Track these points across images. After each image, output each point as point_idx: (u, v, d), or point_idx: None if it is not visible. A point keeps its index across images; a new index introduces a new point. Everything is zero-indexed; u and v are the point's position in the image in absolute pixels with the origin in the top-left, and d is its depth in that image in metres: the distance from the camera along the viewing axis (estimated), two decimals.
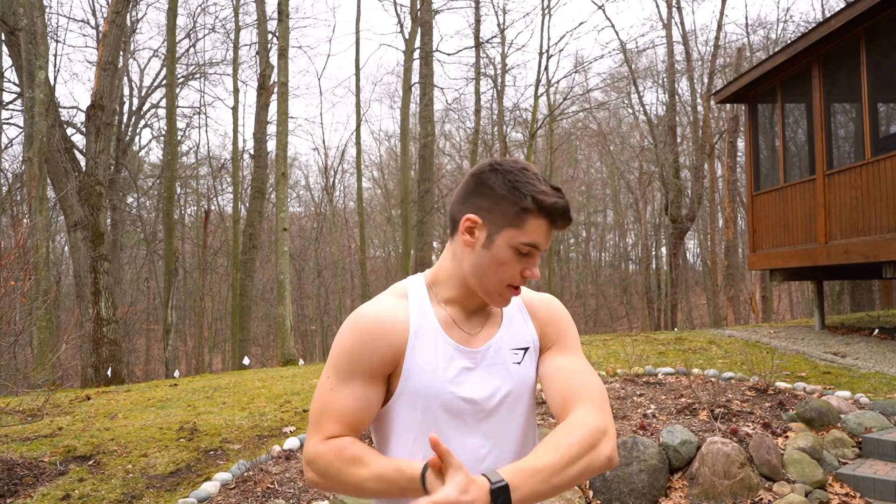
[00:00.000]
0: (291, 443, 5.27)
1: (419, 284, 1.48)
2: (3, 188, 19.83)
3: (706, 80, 22.72)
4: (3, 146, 19.90)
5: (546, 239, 1.37)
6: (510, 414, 1.42)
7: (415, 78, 20.51)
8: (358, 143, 23.64)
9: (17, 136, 23.76)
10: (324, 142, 62.08)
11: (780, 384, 6.43)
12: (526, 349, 1.47)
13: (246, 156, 25.11)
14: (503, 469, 1.14)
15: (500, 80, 24.82)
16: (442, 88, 23.05)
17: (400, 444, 1.39)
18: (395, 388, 1.38)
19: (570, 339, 1.51)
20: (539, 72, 23.32)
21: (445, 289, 1.46)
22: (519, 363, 1.44)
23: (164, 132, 21.63)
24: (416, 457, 1.36)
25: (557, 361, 1.45)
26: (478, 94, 23.57)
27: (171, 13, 17.87)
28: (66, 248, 22.29)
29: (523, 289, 1.51)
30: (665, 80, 24.08)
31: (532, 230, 1.34)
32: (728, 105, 18.96)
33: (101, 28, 20.59)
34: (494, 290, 1.39)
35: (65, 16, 40.10)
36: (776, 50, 12.60)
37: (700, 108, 23.11)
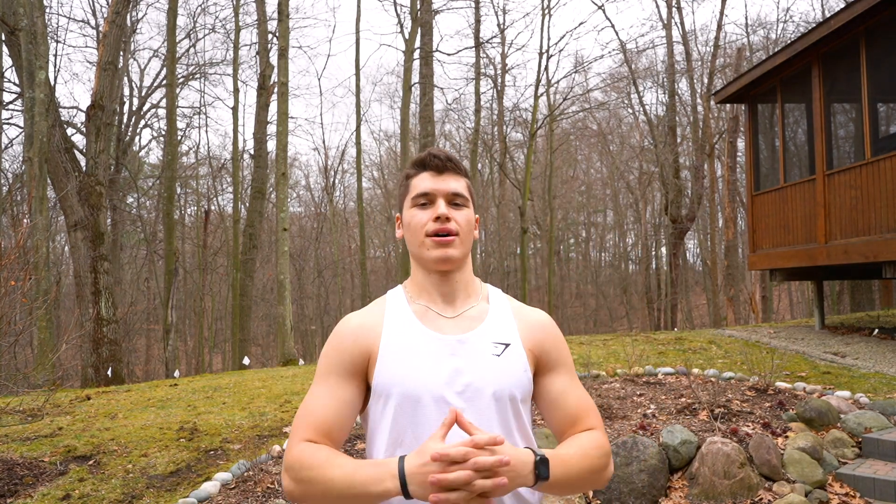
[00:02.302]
0: None
1: (397, 290, 1.56)
2: (4, 188, 19.83)
3: (706, 80, 22.73)
4: (3, 146, 19.90)
5: (431, 182, 1.47)
6: (489, 406, 1.39)
7: (415, 78, 20.51)
8: (358, 143, 23.64)
9: (17, 136, 23.76)
10: (324, 142, 62.10)
11: (780, 384, 6.43)
12: (507, 345, 1.45)
13: (246, 156, 25.13)
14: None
15: (500, 80, 24.85)
16: (442, 88, 23.05)
17: (382, 442, 1.39)
18: (373, 383, 1.42)
19: (568, 361, 1.53)
20: (539, 72, 23.33)
21: (414, 284, 1.53)
22: (498, 356, 1.43)
23: (164, 132, 21.65)
24: (396, 454, 1.35)
25: (559, 385, 1.49)
26: (478, 94, 23.58)
27: (171, 13, 17.86)
28: (67, 248, 22.30)
29: (516, 303, 1.57)
30: (665, 80, 24.09)
31: (416, 184, 1.49)
32: (728, 105, 18.96)
33: (101, 28, 20.59)
34: (420, 246, 1.45)
35: (65, 16, 40.05)
36: (776, 50, 12.61)
37: (700, 108, 23.12)
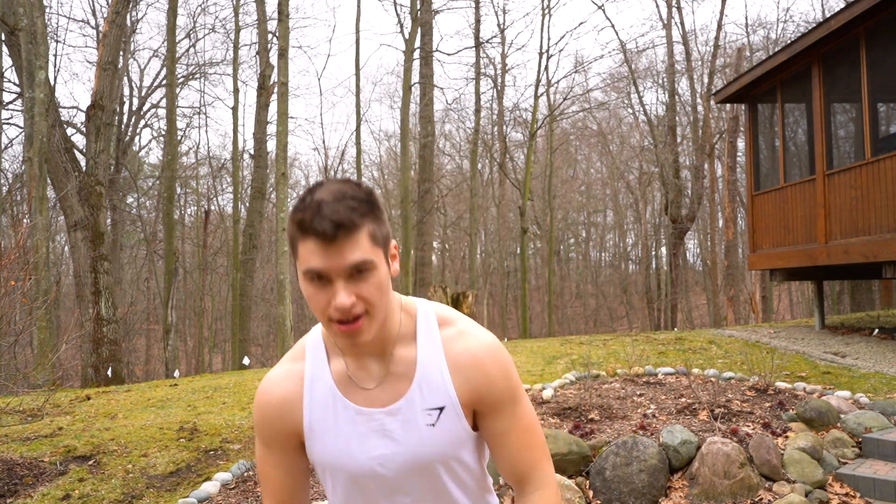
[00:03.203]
0: None
1: (316, 339, 1.36)
2: (4, 188, 19.83)
3: (706, 80, 22.74)
4: (3, 146, 19.90)
5: (321, 258, 1.13)
6: (429, 483, 1.30)
7: (415, 78, 20.51)
8: (358, 143, 23.64)
9: (17, 136, 23.78)
10: (324, 142, 62.05)
11: (780, 384, 6.43)
12: (441, 409, 1.27)
13: (246, 156, 25.12)
14: None
15: (500, 80, 24.84)
16: (442, 88, 23.09)
17: (336, 500, 1.37)
18: (309, 457, 1.35)
19: (509, 395, 1.32)
20: (539, 72, 23.35)
21: (330, 341, 1.34)
22: (433, 425, 1.26)
23: (164, 132, 21.64)
24: None
25: (500, 426, 1.32)
26: (478, 94, 23.58)
27: (171, 13, 17.86)
28: (66, 248, 22.30)
29: (450, 333, 1.32)
30: (665, 80, 24.09)
31: (304, 255, 1.15)
32: (728, 105, 18.96)
33: (101, 28, 20.59)
34: (326, 326, 1.20)
35: (65, 16, 40.12)
36: (776, 50, 12.61)
37: (700, 107, 23.12)
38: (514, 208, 28.32)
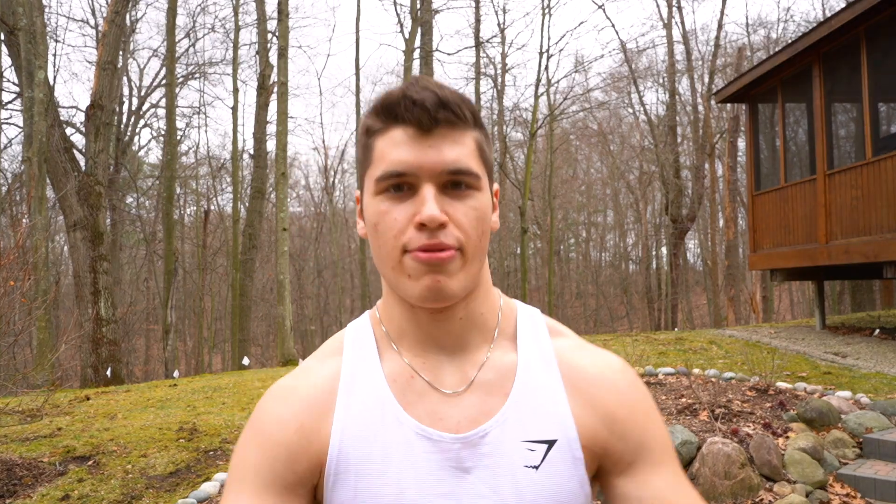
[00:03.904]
0: None
1: (363, 326, 0.94)
2: (3, 188, 19.83)
3: (707, 80, 22.73)
4: (2, 146, 19.90)
5: (410, 150, 0.80)
6: None
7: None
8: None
9: (16, 136, 23.79)
10: (324, 141, 62.18)
11: (781, 384, 6.42)
12: (551, 443, 0.84)
13: (246, 156, 25.13)
14: None
15: (500, 80, 24.83)
16: None
17: None
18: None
19: (658, 444, 0.88)
20: (539, 71, 23.33)
21: (389, 319, 0.92)
22: (536, 467, 0.83)
23: (163, 132, 21.65)
24: None
25: (646, 490, 0.85)
26: (478, 93, 23.56)
27: (171, 13, 17.85)
28: (66, 248, 22.29)
29: (565, 343, 0.93)
30: (665, 79, 24.09)
31: (383, 151, 0.82)
32: (728, 105, 18.94)
33: (100, 28, 20.58)
34: (395, 269, 0.83)
35: (64, 15, 40.10)
36: (777, 49, 12.59)
37: (700, 107, 23.11)
38: (514, 208, 28.30)
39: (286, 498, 0.84)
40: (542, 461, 0.84)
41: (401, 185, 0.81)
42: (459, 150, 0.82)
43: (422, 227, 0.79)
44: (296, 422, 0.86)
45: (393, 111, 0.82)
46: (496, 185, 0.92)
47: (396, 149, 0.81)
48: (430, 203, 0.79)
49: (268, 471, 0.84)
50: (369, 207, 0.85)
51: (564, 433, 0.85)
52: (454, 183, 0.81)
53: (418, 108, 0.80)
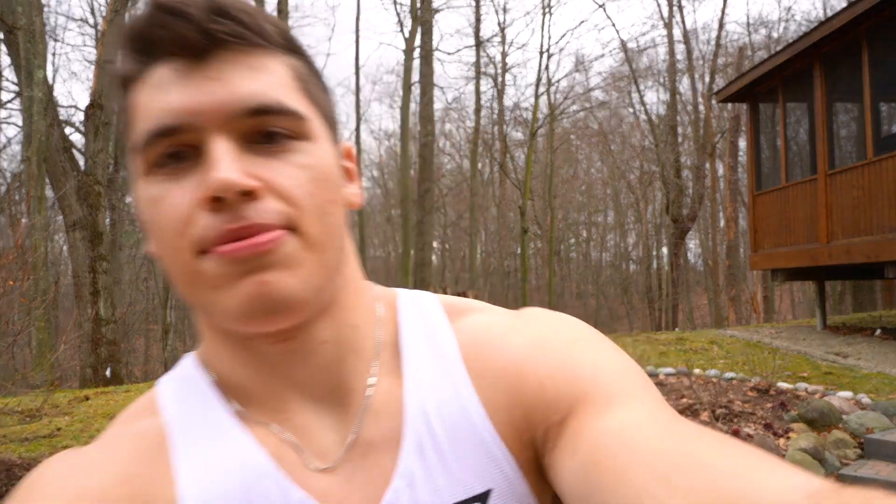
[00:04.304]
0: None
1: (185, 377, 0.62)
2: (2, 188, 19.82)
3: (707, 79, 22.71)
4: (1, 145, 19.89)
5: (180, 91, 0.51)
6: None
7: (415, 77, 20.49)
8: (358, 143, 23.64)
9: (15, 136, 23.78)
10: None
11: (782, 384, 6.40)
12: (481, 496, 0.55)
13: None
14: None
15: (500, 80, 24.84)
16: (442, 87, 23.09)
17: None
18: None
19: (603, 379, 0.56)
20: (539, 71, 23.35)
21: (220, 367, 0.60)
22: None
23: None
24: None
25: (582, 440, 0.52)
26: (478, 93, 23.58)
27: None
28: (65, 247, 22.28)
29: (470, 323, 0.63)
30: (666, 79, 24.07)
31: (145, 107, 0.53)
32: (729, 104, 18.92)
33: (99, 27, 20.57)
34: (190, 283, 0.53)
35: (63, 14, 40.08)
36: (778, 49, 12.57)
37: (701, 107, 23.09)
38: (515, 208, 28.30)
39: None
40: None
41: (178, 152, 0.51)
42: (260, 80, 0.52)
43: (215, 203, 0.49)
44: (121, 472, 0.53)
45: (146, 39, 0.53)
46: (347, 144, 0.64)
47: (159, 95, 0.52)
48: (221, 162, 0.49)
49: None
50: (139, 200, 0.54)
51: (499, 469, 0.56)
52: (264, 134, 0.52)
53: (180, 20, 0.50)
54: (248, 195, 0.50)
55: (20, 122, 19.19)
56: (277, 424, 0.58)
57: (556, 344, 0.60)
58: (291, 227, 0.52)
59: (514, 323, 0.63)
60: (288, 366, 0.57)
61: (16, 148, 22.18)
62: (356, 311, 0.61)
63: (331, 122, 0.60)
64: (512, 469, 0.56)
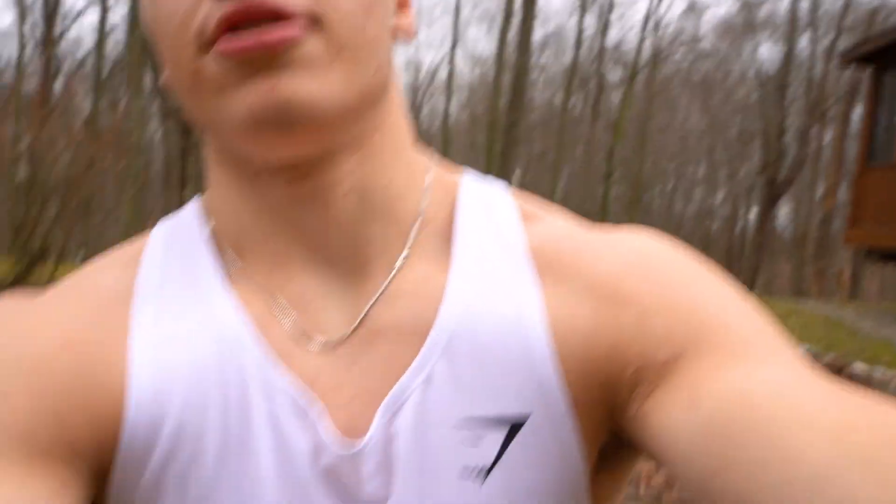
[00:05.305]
0: None
1: (182, 224, 0.52)
2: (105, 72, 20.48)
3: (830, 39, 21.25)
4: (107, 30, 20.45)
5: None
6: None
7: (517, 2, 19.92)
8: (452, 64, 23.33)
9: (120, 23, 24.41)
10: (416, 59, 61.70)
11: (858, 365, 6.12)
12: (515, 423, 0.44)
13: None
14: None
15: (605, 16, 23.85)
16: (542, 18, 22.34)
17: None
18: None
19: (732, 328, 0.46)
20: (648, 11, 22.27)
21: (221, 205, 0.50)
22: (486, 472, 0.44)
23: None
24: None
25: (714, 386, 0.40)
26: (580, 27, 22.75)
27: None
28: (158, 134, 23.04)
29: (549, 228, 0.51)
30: (786, 31, 22.63)
31: None
32: (849, 70, 17.75)
33: None
34: (190, 87, 0.43)
35: None
36: None
37: (818, 68, 21.72)
38: (602, 150, 27.62)
39: (26, 468, 0.39)
40: (494, 462, 0.44)
41: None
42: None
43: None
44: (61, 337, 0.44)
45: None
46: None
47: None
48: None
49: (11, 423, 0.40)
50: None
51: (542, 398, 0.44)
52: None
53: None
54: None
55: (127, 6, 19.65)
56: (272, 286, 0.47)
57: (668, 268, 0.48)
58: (315, 19, 0.40)
59: (608, 237, 0.51)
60: (298, 215, 0.47)
61: (120, 34, 22.79)
62: (393, 167, 0.49)
63: None
64: (562, 401, 0.44)
